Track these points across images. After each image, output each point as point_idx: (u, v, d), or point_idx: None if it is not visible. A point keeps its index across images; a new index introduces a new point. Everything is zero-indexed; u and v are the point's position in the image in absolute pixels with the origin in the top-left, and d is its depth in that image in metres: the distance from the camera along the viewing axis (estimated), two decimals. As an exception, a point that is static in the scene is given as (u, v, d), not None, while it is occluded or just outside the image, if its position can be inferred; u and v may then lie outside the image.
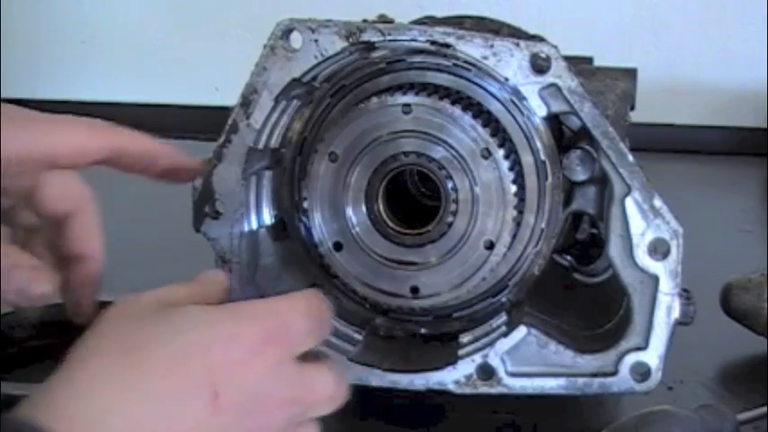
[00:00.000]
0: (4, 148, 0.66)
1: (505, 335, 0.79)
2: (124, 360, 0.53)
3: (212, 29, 2.02)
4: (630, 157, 0.76)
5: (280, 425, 0.57)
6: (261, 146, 0.79)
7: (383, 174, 0.78)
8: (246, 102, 0.77)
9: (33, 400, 0.50)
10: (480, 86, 0.79)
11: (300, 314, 0.59)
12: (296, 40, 0.76)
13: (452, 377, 0.79)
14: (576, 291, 0.87)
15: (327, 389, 0.59)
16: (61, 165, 0.70)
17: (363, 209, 0.78)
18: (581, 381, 0.78)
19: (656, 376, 0.77)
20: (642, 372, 0.77)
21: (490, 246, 0.77)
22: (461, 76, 0.79)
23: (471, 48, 0.75)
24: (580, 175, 0.79)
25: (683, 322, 0.76)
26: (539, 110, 0.76)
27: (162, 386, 0.52)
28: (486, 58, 0.75)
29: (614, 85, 0.92)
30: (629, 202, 0.76)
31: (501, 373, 0.78)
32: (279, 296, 0.60)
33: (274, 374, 0.56)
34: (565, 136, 0.81)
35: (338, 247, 0.79)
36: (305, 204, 0.79)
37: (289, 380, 0.57)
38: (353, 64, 0.79)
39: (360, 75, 0.81)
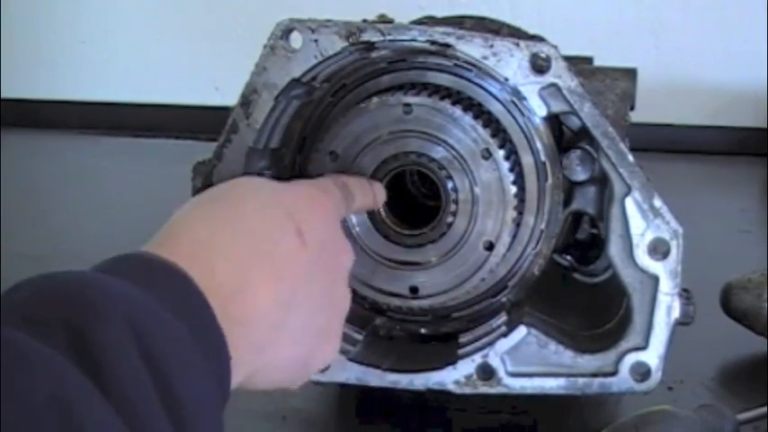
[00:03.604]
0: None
1: (505, 335, 0.79)
2: (218, 207, 0.60)
3: (212, 29, 2.02)
4: (630, 157, 0.76)
5: (344, 270, 0.68)
6: (261, 146, 0.79)
7: (383, 173, 0.78)
8: (246, 101, 0.77)
9: (145, 246, 0.56)
10: (481, 87, 0.79)
11: (334, 185, 0.71)
12: (296, 40, 0.76)
13: (452, 377, 0.79)
14: (576, 291, 0.87)
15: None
16: None
17: (363, 209, 0.78)
18: (581, 381, 0.78)
19: (655, 376, 0.77)
20: (642, 372, 0.77)
21: (490, 246, 0.77)
22: (462, 77, 0.79)
23: (471, 48, 0.75)
24: (580, 175, 0.79)
25: (683, 322, 0.76)
26: (539, 110, 0.76)
27: (254, 223, 0.59)
28: (486, 58, 0.75)
29: (614, 85, 0.92)
30: (628, 201, 0.76)
31: (501, 372, 0.78)
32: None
33: (333, 222, 0.67)
34: (565, 136, 0.81)
35: (338, 246, 0.79)
36: (305, 204, 0.79)
37: (340, 233, 0.68)
38: (354, 64, 0.79)
39: (361, 74, 0.81)
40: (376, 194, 0.76)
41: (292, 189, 0.66)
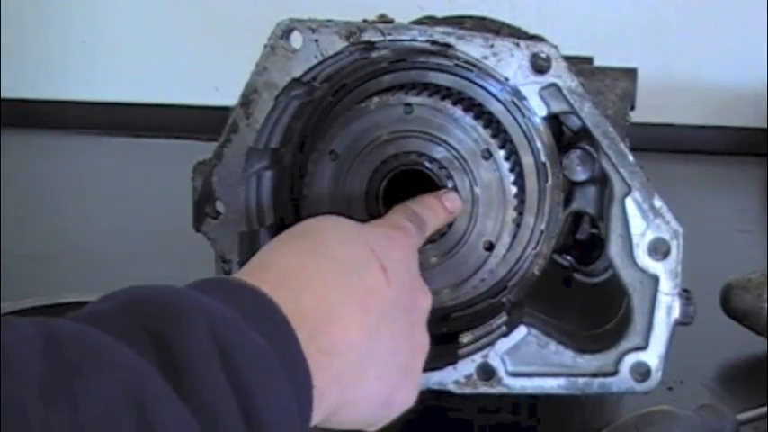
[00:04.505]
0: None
1: (505, 335, 0.79)
2: (304, 241, 0.61)
3: (212, 29, 2.02)
4: (630, 157, 0.76)
5: (423, 312, 0.65)
6: (261, 146, 0.79)
7: (384, 173, 0.78)
8: (247, 102, 0.77)
9: (233, 275, 0.56)
10: (482, 87, 0.79)
11: (407, 220, 0.69)
12: (296, 39, 0.76)
13: (452, 377, 0.79)
14: (576, 291, 0.87)
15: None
16: None
17: (363, 208, 0.78)
18: (581, 381, 0.78)
19: (656, 376, 0.77)
20: (642, 372, 0.77)
21: (489, 247, 0.77)
22: (463, 77, 0.79)
23: (471, 48, 0.75)
24: (580, 175, 0.79)
25: (683, 322, 0.76)
26: (539, 110, 0.76)
27: (340, 256, 0.59)
28: (486, 58, 0.75)
29: (614, 85, 0.92)
30: (629, 201, 0.76)
31: (501, 372, 0.78)
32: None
33: (412, 262, 0.66)
34: (565, 136, 0.81)
35: (338, 247, 0.79)
36: (305, 204, 0.79)
37: (418, 274, 0.67)
38: (354, 64, 0.79)
39: (361, 74, 0.81)
40: (447, 207, 0.75)
41: (372, 228, 0.66)
